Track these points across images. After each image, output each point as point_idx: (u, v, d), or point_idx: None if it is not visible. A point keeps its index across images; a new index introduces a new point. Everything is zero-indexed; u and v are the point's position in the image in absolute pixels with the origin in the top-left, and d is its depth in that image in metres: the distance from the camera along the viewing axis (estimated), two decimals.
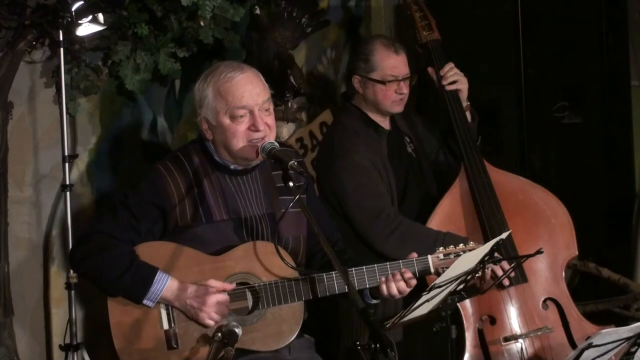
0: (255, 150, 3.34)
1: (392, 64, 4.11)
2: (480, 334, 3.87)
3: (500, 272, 3.67)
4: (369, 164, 4.02)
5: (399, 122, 4.28)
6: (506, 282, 3.85)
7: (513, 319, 3.87)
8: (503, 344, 3.85)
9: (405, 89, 4.14)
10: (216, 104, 3.34)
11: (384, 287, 3.34)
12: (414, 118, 4.40)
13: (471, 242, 3.47)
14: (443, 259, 3.40)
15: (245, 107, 3.33)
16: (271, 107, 3.41)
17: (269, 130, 3.36)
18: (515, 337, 3.85)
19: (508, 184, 4.05)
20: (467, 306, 3.85)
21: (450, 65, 4.20)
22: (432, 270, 3.39)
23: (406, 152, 4.23)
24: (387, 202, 4.01)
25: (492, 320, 3.87)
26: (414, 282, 3.35)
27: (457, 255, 3.39)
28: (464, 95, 4.20)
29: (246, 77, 3.36)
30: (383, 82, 4.10)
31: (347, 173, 3.99)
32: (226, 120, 3.34)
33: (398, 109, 4.16)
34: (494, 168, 4.07)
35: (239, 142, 3.34)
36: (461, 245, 3.45)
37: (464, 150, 4.07)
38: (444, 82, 4.17)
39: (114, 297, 3.29)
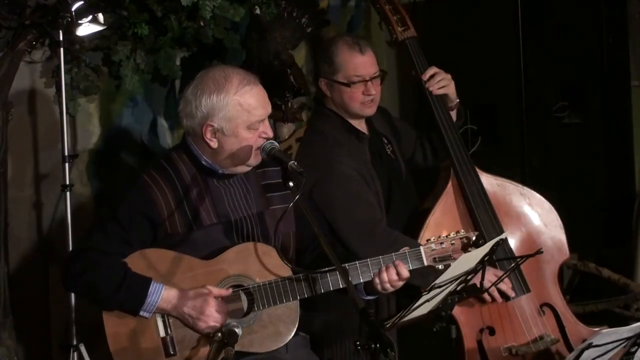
0: (258, 156, 3.38)
1: (357, 64, 3.91)
2: (480, 345, 3.86)
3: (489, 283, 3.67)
4: (355, 174, 3.86)
5: (375, 122, 4.12)
6: (512, 293, 3.84)
7: (512, 329, 3.86)
8: (504, 355, 3.84)
9: (373, 90, 3.94)
10: (237, 115, 3.33)
11: (377, 281, 3.35)
12: (387, 116, 4.26)
13: (462, 231, 3.46)
14: (435, 249, 3.41)
15: (263, 118, 3.38)
16: None
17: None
18: (515, 347, 3.84)
19: (500, 190, 4.00)
20: (465, 318, 3.84)
21: (434, 70, 4.04)
22: (426, 261, 3.39)
23: (386, 155, 4.10)
24: (379, 213, 3.89)
25: (492, 332, 3.86)
26: (406, 274, 3.35)
27: (451, 243, 3.39)
28: (452, 96, 4.07)
29: (260, 88, 3.40)
30: (348, 85, 3.91)
31: (334, 186, 3.83)
32: (244, 132, 3.35)
33: (369, 111, 3.98)
34: (485, 173, 4.00)
35: (250, 151, 3.36)
36: (452, 234, 3.43)
37: (454, 157, 3.96)
38: (432, 90, 4.00)
39: (111, 311, 3.28)
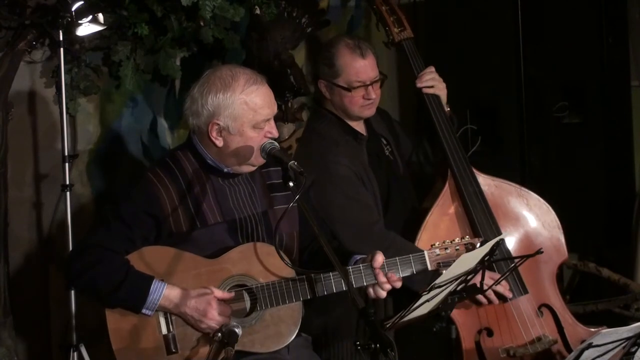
0: (261, 160, 3.40)
1: (358, 68, 3.89)
2: (478, 347, 3.86)
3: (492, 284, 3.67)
4: (352, 175, 3.86)
5: (374, 123, 4.12)
6: (509, 294, 3.84)
7: (510, 330, 3.86)
8: (502, 356, 3.84)
9: (373, 94, 3.93)
10: (243, 114, 3.35)
11: (371, 291, 3.38)
12: (387, 117, 4.26)
13: (467, 237, 3.47)
14: (440, 254, 3.41)
15: (269, 117, 3.39)
16: None
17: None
18: (513, 348, 3.84)
19: (497, 191, 4.00)
20: (463, 319, 3.83)
21: (431, 69, 4.04)
22: (430, 266, 3.40)
23: (385, 156, 4.09)
24: (376, 215, 3.89)
25: (490, 333, 3.86)
26: (399, 283, 3.37)
27: (454, 249, 3.40)
28: (443, 100, 4.05)
29: (266, 88, 3.42)
30: (349, 89, 3.91)
31: (331, 186, 3.83)
32: (249, 131, 3.37)
33: (368, 113, 3.98)
34: (482, 174, 4.00)
35: (254, 150, 3.38)
36: (457, 240, 3.44)
37: (451, 158, 3.95)
38: (419, 85, 4.00)
39: (114, 309, 3.29)
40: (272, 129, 3.40)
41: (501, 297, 3.85)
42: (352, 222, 3.82)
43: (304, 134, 4.18)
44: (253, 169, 3.45)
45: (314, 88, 4.13)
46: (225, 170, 3.44)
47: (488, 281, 3.65)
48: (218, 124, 3.36)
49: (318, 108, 4.08)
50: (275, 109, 3.43)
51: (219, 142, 3.39)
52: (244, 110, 3.35)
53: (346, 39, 4.02)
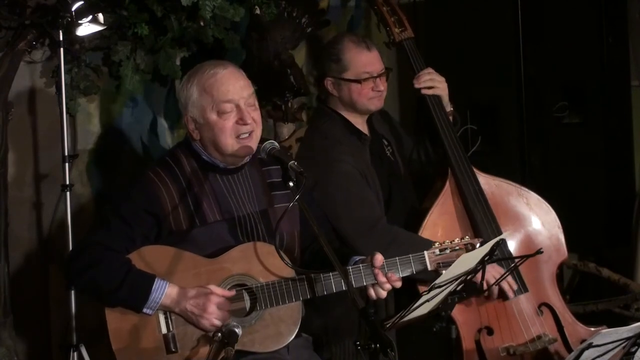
0: (244, 148, 3.37)
1: (365, 61, 3.93)
2: (478, 345, 3.86)
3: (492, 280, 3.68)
4: (356, 172, 3.87)
5: (375, 123, 4.13)
6: (511, 294, 3.84)
7: (510, 329, 3.86)
8: (502, 355, 3.84)
9: (381, 86, 3.96)
10: (202, 101, 3.37)
11: (371, 292, 3.36)
12: (388, 118, 4.27)
13: (467, 237, 3.47)
14: (439, 255, 3.41)
15: (231, 100, 3.36)
16: (256, 102, 3.45)
17: (256, 125, 3.40)
18: (513, 347, 3.84)
19: (498, 190, 3.99)
20: (463, 318, 3.83)
21: (429, 70, 4.04)
22: (430, 266, 3.40)
23: (386, 157, 4.11)
24: (379, 212, 3.89)
25: (490, 332, 3.86)
26: (399, 283, 3.36)
27: (454, 250, 3.40)
28: (445, 99, 4.05)
29: (229, 72, 3.40)
30: (358, 81, 3.92)
31: (335, 183, 3.84)
32: (213, 117, 3.36)
33: (377, 105, 3.99)
34: (482, 173, 4.00)
35: (227, 139, 3.36)
36: (457, 240, 3.44)
37: (451, 157, 3.95)
38: (417, 85, 4.01)
39: (114, 308, 3.29)
40: (243, 116, 3.36)
41: (502, 295, 3.85)
42: (356, 219, 3.82)
43: (306, 132, 4.18)
44: (242, 161, 3.43)
45: (317, 88, 4.13)
46: (222, 166, 3.44)
47: (495, 274, 3.66)
48: (189, 117, 3.40)
49: (322, 106, 4.08)
50: (243, 95, 3.38)
51: (196, 135, 3.41)
52: (202, 96, 3.37)
53: (349, 34, 4.08)
